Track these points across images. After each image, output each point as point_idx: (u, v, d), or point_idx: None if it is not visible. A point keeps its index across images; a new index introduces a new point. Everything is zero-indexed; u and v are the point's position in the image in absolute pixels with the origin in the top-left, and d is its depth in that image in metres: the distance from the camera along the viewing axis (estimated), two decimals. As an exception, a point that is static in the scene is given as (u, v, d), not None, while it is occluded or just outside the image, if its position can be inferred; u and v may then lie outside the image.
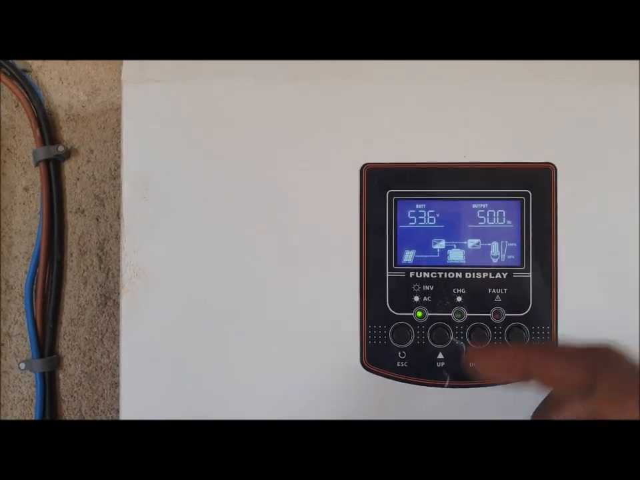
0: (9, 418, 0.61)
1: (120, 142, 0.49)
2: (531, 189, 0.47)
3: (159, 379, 0.47)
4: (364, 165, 0.47)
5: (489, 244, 0.47)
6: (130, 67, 0.47)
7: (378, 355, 0.47)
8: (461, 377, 0.46)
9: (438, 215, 0.47)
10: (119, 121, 0.60)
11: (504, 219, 0.47)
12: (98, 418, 0.62)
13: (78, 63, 0.61)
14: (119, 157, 0.58)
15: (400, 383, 0.47)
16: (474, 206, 0.47)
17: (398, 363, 0.47)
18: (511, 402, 0.46)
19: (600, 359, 0.32)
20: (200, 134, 0.47)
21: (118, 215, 0.61)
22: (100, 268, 0.62)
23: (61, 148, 0.60)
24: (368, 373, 0.47)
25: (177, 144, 0.47)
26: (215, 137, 0.47)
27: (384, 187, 0.47)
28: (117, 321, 0.55)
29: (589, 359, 0.31)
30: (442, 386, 0.46)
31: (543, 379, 0.33)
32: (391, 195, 0.47)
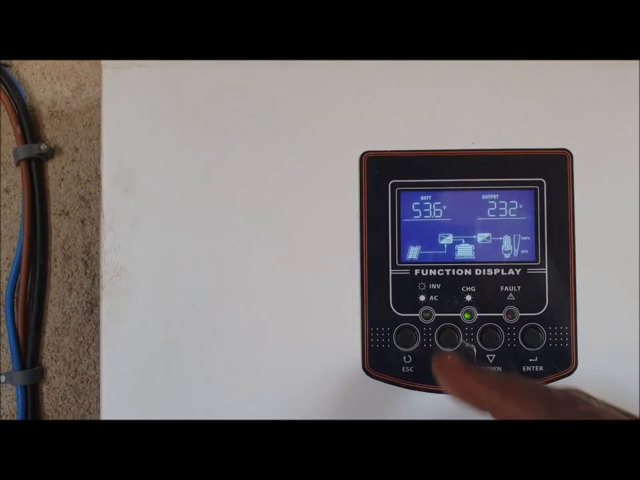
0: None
1: (99, 134, 0.45)
2: (545, 177, 0.43)
3: (143, 388, 0.43)
4: (364, 153, 0.43)
5: (501, 238, 0.43)
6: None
7: (381, 360, 0.43)
8: (472, 383, 0.43)
9: (445, 208, 0.43)
10: (101, 123, 0.57)
11: (516, 210, 0.43)
12: (84, 434, 0.58)
13: (62, 57, 0.58)
14: (101, 161, 0.55)
15: (405, 389, 0.43)
16: (484, 197, 0.43)
17: (403, 368, 0.43)
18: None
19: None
20: (186, 122, 0.44)
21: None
22: (86, 273, 0.58)
23: (43, 146, 0.56)
24: (370, 378, 0.43)
25: (162, 134, 0.44)
26: (203, 125, 0.44)
27: (386, 177, 0.43)
28: (104, 329, 0.51)
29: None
30: (452, 393, 0.43)
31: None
32: (394, 185, 0.43)
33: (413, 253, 0.43)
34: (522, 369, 0.43)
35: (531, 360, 0.43)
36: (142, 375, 0.43)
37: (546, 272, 0.43)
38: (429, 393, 0.43)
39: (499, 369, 0.43)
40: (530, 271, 0.43)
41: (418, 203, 0.43)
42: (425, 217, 0.43)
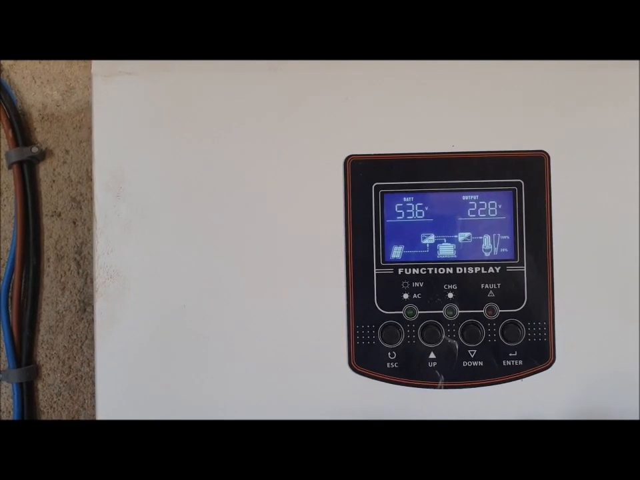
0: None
1: (92, 145, 0.46)
2: (523, 178, 0.45)
3: (137, 387, 0.45)
4: (348, 157, 0.45)
5: (481, 237, 0.45)
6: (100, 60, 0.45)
7: (366, 356, 0.44)
8: (455, 377, 0.44)
9: (427, 208, 0.45)
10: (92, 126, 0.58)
11: (496, 210, 0.45)
12: (79, 429, 0.60)
13: (51, 61, 0.59)
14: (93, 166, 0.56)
15: (390, 384, 0.44)
16: (464, 197, 0.45)
17: (388, 364, 0.44)
18: (508, 402, 0.44)
19: None
20: (175, 128, 0.45)
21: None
22: (78, 273, 0.59)
23: (35, 149, 0.57)
24: (356, 374, 0.44)
25: (151, 139, 0.45)
26: (191, 131, 0.45)
27: (369, 179, 0.45)
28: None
29: None
30: (435, 387, 0.44)
31: None
32: (377, 187, 0.45)
33: (397, 252, 0.45)
34: (502, 363, 0.44)
35: (510, 354, 0.44)
36: (136, 374, 0.44)
37: (525, 270, 0.45)
38: (413, 388, 0.44)
39: (480, 363, 0.44)
40: (509, 268, 0.45)
41: (401, 204, 0.45)
42: (408, 217, 0.45)
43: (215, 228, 0.45)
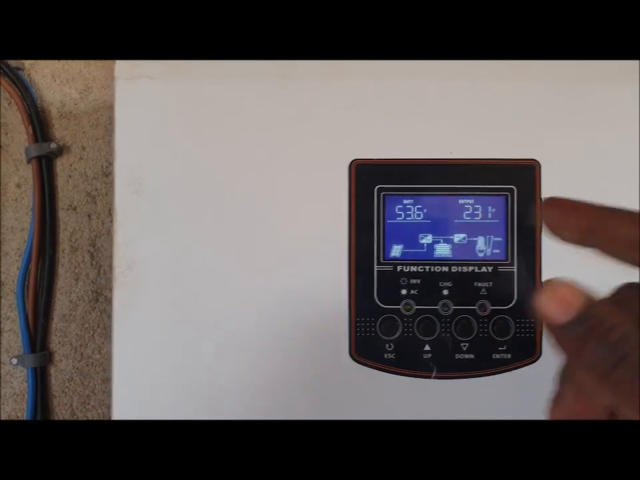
0: (0, 414, 0.62)
1: (112, 139, 0.49)
2: (515, 184, 0.48)
3: (152, 374, 0.48)
4: (353, 161, 0.48)
5: (475, 238, 0.48)
6: (123, 63, 0.48)
7: (366, 347, 0.48)
8: (447, 369, 0.47)
9: (425, 210, 0.48)
10: (111, 119, 0.61)
11: (489, 214, 0.48)
12: (89, 414, 0.63)
13: (71, 61, 0.62)
14: (111, 154, 0.59)
15: (387, 374, 0.47)
16: (460, 201, 0.48)
17: (385, 355, 0.48)
18: (497, 393, 0.48)
19: None
20: (192, 130, 0.48)
21: (110, 212, 0.61)
22: (91, 264, 0.62)
23: (53, 145, 0.60)
24: (356, 364, 0.47)
25: (170, 140, 0.48)
26: (207, 134, 0.48)
27: (372, 182, 0.48)
28: (108, 317, 0.55)
29: None
30: (429, 377, 0.47)
31: (605, 239, 0.28)
32: (380, 190, 0.48)
33: (396, 251, 0.48)
34: (492, 356, 0.47)
35: (500, 349, 0.48)
36: (150, 359, 0.47)
37: (515, 270, 0.48)
38: (408, 378, 0.48)
39: (472, 356, 0.47)
40: (501, 268, 0.48)
41: (401, 206, 0.48)
42: (407, 218, 0.48)
43: (226, 225, 0.48)
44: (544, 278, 0.48)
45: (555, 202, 0.29)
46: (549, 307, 0.27)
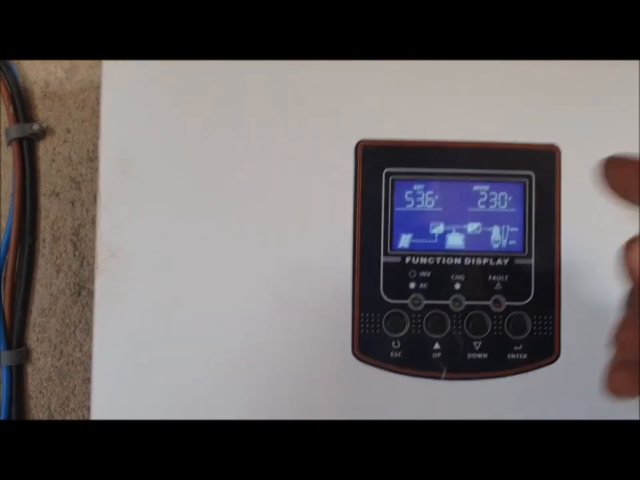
0: (-29, 414, 0.57)
1: (99, 122, 0.45)
2: (534, 170, 0.44)
3: (137, 372, 0.44)
4: (359, 142, 0.44)
5: (490, 228, 0.44)
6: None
7: (370, 344, 0.44)
8: (458, 369, 0.44)
9: (437, 197, 0.44)
10: (98, 100, 0.56)
11: (506, 202, 0.44)
12: (68, 416, 0.58)
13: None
14: (98, 138, 0.55)
15: (393, 374, 0.44)
16: (475, 188, 0.44)
17: (391, 353, 0.44)
18: (512, 396, 0.44)
19: None
20: (184, 108, 0.44)
21: (95, 199, 0.57)
22: (74, 255, 0.58)
23: (35, 126, 0.56)
24: (359, 362, 0.44)
25: (160, 117, 0.44)
26: (200, 112, 0.44)
27: (380, 165, 0.44)
28: (91, 311, 0.51)
29: None
30: (438, 378, 0.44)
31: None
32: (388, 174, 0.44)
33: (405, 241, 0.44)
34: (507, 356, 0.44)
35: (515, 348, 0.44)
36: (134, 354, 0.43)
37: (532, 263, 0.44)
38: (416, 378, 0.44)
39: (485, 356, 0.44)
40: (517, 261, 0.44)
41: (411, 192, 0.44)
42: (418, 205, 0.44)
43: (219, 209, 0.44)
44: (564, 272, 0.44)
45: (621, 162, 0.26)
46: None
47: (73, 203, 0.58)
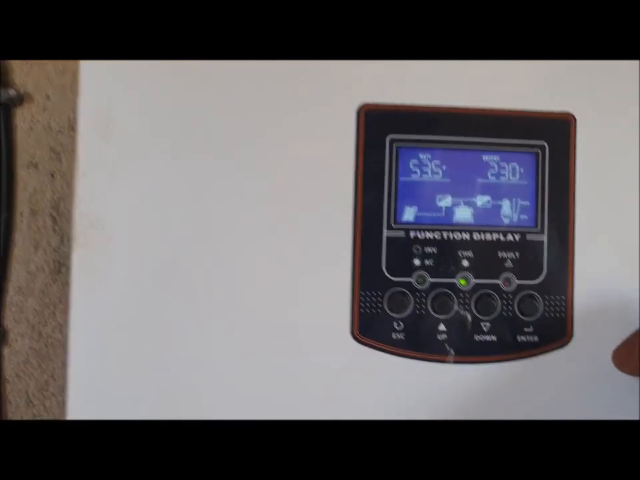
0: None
1: (78, 86, 0.42)
2: (547, 140, 0.42)
3: (117, 354, 0.40)
4: (362, 106, 0.41)
5: (500, 202, 0.42)
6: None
7: (371, 325, 0.41)
8: (464, 352, 0.41)
9: (444, 167, 0.41)
10: (79, 64, 0.54)
11: (517, 173, 0.42)
12: (47, 401, 0.55)
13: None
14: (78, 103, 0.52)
15: (396, 356, 0.41)
16: (484, 158, 0.41)
17: (393, 335, 0.41)
18: (522, 380, 0.41)
19: None
20: (171, 65, 0.41)
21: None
22: (54, 230, 0.55)
23: (12, 92, 0.53)
24: (359, 345, 0.41)
25: (144, 78, 0.41)
26: (188, 71, 0.41)
27: (384, 131, 0.41)
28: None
29: None
30: (443, 361, 0.41)
31: None
32: (392, 141, 0.41)
33: (409, 214, 0.41)
34: (517, 338, 0.41)
35: (526, 330, 0.41)
36: (114, 333, 0.40)
37: (545, 239, 0.41)
38: (420, 361, 0.41)
39: (494, 338, 0.41)
40: (529, 237, 0.41)
41: (416, 161, 0.41)
42: (424, 176, 0.41)
43: (209, 177, 0.40)
44: (578, 250, 0.41)
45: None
46: None
47: (52, 175, 0.54)
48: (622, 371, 0.40)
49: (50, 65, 0.55)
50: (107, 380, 0.40)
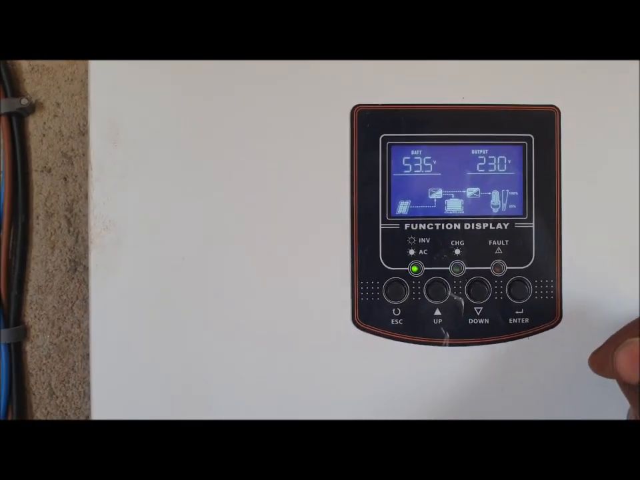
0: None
1: (88, 93, 0.44)
2: (533, 133, 0.44)
3: (134, 346, 0.43)
4: (355, 107, 0.43)
5: (489, 193, 0.44)
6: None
7: (370, 313, 0.43)
8: (459, 335, 0.43)
9: (435, 162, 0.43)
10: (87, 72, 0.56)
11: (505, 165, 0.44)
12: (68, 392, 0.58)
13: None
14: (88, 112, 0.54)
15: (394, 341, 0.43)
16: (473, 152, 0.44)
17: (392, 321, 0.43)
18: (515, 360, 0.44)
19: None
20: (178, 72, 0.43)
21: (88, 174, 0.56)
22: (69, 231, 0.57)
23: (24, 101, 0.55)
24: (360, 331, 0.43)
25: (153, 83, 0.43)
26: (193, 77, 0.43)
27: (377, 130, 0.43)
28: (88, 287, 0.51)
29: None
30: (439, 344, 0.43)
31: None
32: (385, 139, 0.43)
33: (403, 207, 0.44)
34: (508, 321, 0.43)
35: (517, 312, 0.44)
36: (132, 329, 0.43)
37: (533, 226, 0.44)
38: (418, 345, 0.43)
39: (486, 321, 0.43)
40: (517, 225, 0.44)
41: (408, 157, 0.43)
42: (415, 171, 0.43)
43: (216, 177, 0.43)
44: (564, 235, 0.44)
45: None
46: (625, 367, 0.30)
47: (65, 179, 0.57)
48: (600, 375, 0.40)
49: (59, 74, 0.57)
50: (127, 368, 0.43)
